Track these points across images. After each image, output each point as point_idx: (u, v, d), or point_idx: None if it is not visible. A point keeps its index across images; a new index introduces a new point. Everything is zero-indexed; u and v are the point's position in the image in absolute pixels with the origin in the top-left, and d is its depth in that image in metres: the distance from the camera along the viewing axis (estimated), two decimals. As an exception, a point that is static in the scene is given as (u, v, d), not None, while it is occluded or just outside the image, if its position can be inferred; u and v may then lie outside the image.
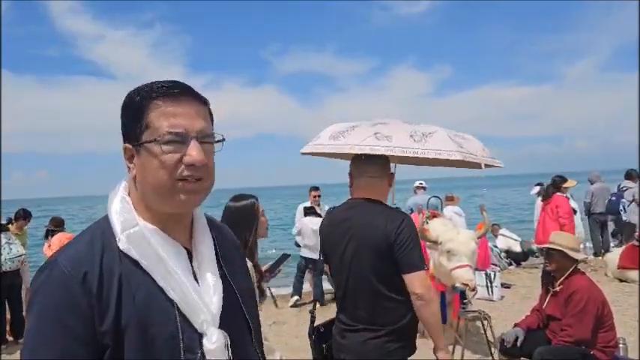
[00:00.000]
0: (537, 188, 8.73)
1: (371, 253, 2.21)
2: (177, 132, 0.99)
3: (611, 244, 9.93)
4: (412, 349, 2.32)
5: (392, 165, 2.57)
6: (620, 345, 3.60)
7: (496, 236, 10.24)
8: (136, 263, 0.98)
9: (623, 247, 8.19)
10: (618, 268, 7.76)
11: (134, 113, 1.00)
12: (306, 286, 7.66)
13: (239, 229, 2.29)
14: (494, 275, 7.04)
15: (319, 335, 2.52)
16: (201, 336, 1.00)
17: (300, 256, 7.45)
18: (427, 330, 2.25)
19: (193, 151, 0.99)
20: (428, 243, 4.16)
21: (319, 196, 7.65)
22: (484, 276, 6.94)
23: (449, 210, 7.99)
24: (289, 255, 3.37)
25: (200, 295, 1.02)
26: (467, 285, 3.87)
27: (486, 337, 4.45)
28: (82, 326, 0.92)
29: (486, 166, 2.67)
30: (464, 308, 4.76)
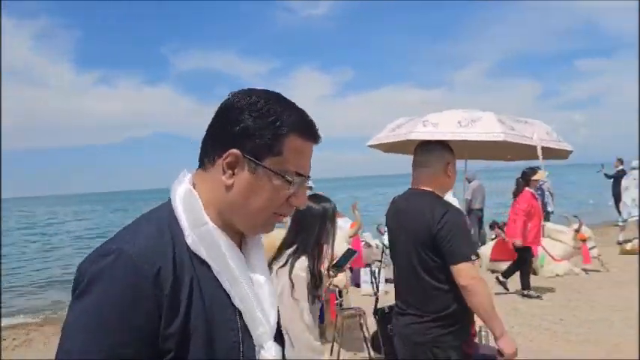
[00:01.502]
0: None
1: (416, 244, 2.29)
2: (302, 174, 1.00)
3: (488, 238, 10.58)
4: (465, 334, 2.33)
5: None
6: (483, 333, 3.75)
7: (382, 234, 10.43)
8: (204, 263, 0.95)
9: (495, 241, 8.69)
10: (490, 261, 8.35)
11: (269, 132, 0.96)
12: None
13: (306, 230, 2.36)
14: (379, 271, 7.14)
15: (383, 316, 2.62)
16: (254, 347, 0.99)
17: None
18: (481, 318, 2.25)
19: (303, 198, 1.02)
20: None
21: None
22: (369, 272, 7.03)
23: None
24: (356, 251, 3.30)
25: (262, 306, 1.00)
26: (337, 286, 3.86)
27: (363, 333, 4.50)
28: (144, 324, 0.86)
29: (550, 151, 2.54)
30: (340, 306, 4.74)
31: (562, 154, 2.75)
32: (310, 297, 2.29)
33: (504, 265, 7.94)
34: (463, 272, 2.17)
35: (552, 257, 8.25)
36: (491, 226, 10.19)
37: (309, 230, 2.39)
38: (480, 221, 10.86)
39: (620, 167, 12.69)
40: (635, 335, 4.89)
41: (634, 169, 10.75)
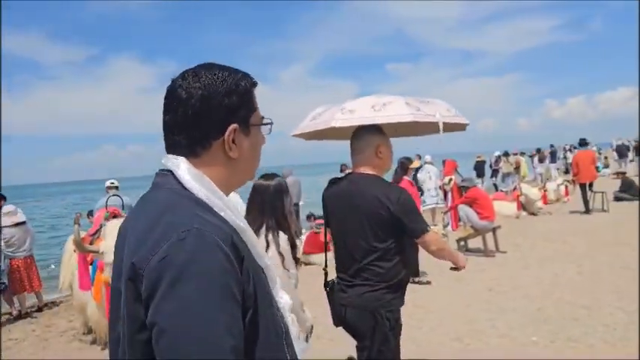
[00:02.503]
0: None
1: (371, 222, 2.50)
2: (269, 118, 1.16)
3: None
4: (403, 299, 2.65)
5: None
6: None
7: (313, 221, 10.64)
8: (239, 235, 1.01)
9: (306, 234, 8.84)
10: (302, 254, 8.21)
11: (244, 97, 1.08)
12: None
13: (272, 205, 2.68)
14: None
15: (332, 287, 2.79)
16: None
17: None
18: (451, 261, 2.68)
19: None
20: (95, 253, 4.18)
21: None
22: None
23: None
24: None
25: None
26: None
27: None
28: (238, 291, 0.91)
29: (451, 125, 2.88)
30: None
31: (461, 127, 3.06)
32: (294, 264, 2.68)
33: (316, 257, 8.07)
34: (428, 241, 2.51)
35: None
36: (308, 217, 10.57)
37: (274, 206, 2.71)
38: (296, 215, 10.88)
39: (419, 163, 13.91)
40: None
41: (427, 163, 12.19)
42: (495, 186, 18.26)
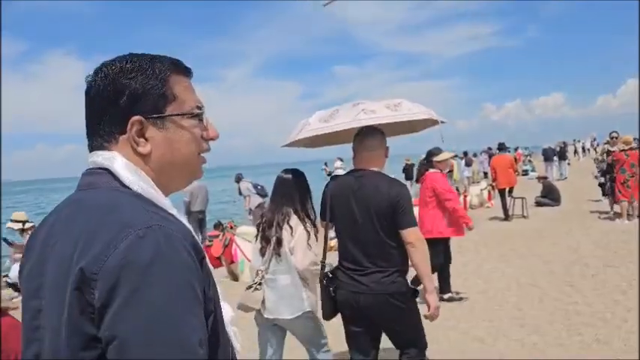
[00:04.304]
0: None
1: (378, 214, 2.70)
2: (202, 107, 1.01)
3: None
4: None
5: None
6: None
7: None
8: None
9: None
10: None
11: (155, 83, 0.95)
12: None
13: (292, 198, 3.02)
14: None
15: (329, 279, 2.88)
16: None
17: None
18: (418, 272, 2.82)
19: (214, 127, 1.04)
20: None
21: None
22: None
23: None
24: None
25: None
26: None
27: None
28: (201, 293, 0.84)
29: (441, 121, 3.10)
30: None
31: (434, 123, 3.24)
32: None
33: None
34: (412, 234, 2.70)
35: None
36: (216, 226, 10.07)
37: (296, 196, 3.01)
38: (202, 223, 10.47)
39: (342, 165, 13.90)
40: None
41: (338, 168, 12.09)
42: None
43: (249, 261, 7.18)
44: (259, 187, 12.31)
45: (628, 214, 9.60)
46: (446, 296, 5.57)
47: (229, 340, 0.97)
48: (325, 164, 15.35)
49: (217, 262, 7.42)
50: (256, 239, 3.08)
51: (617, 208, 10.15)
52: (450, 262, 5.73)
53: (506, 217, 11.29)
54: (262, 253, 3.01)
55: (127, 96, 0.93)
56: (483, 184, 15.16)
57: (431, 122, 3.18)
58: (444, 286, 5.66)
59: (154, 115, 0.94)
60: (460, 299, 5.62)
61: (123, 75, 0.93)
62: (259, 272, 3.00)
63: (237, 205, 17.14)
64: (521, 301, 5.42)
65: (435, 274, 5.40)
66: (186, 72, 1.02)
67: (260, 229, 3.06)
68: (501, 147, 12.13)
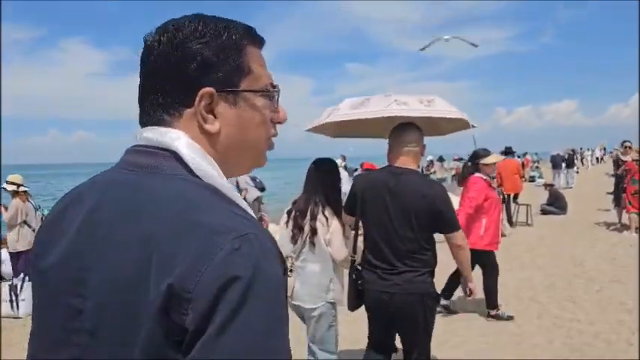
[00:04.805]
0: None
1: (417, 214, 2.67)
2: (276, 85, 0.88)
3: None
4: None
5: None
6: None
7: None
8: None
9: None
10: None
11: (231, 53, 0.81)
12: None
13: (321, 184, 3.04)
14: (21, 287, 5.88)
15: (358, 273, 2.89)
16: None
17: None
18: (461, 268, 3.05)
19: (283, 110, 0.91)
20: None
21: None
22: (8, 288, 5.87)
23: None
24: None
25: None
26: None
27: None
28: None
29: (472, 125, 3.14)
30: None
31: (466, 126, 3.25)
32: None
33: None
34: (459, 237, 2.77)
35: None
36: None
37: (328, 187, 3.02)
38: None
39: (344, 164, 13.73)
40: None
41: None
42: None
43: None
44: (257, 181, 12.03)
45: (637, 227, 9.23)
46: (493, 312, 5.08)
47: None
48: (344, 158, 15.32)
49: None
50: (287, 226, 3.11)
51: (625, 219, 9.78)
52: (497, 275, 5.20)
53: (510, 224, 10.94)
54: (294, 240, 3.05)
55: (199, 63, 0.79)
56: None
57: (461, 125, 3.14)
58: (493, 302, 5.13)
59: (228, 89, 0.81)
60: (509, 318, 5.02)
61: (195, 38, 0.80)
62: (289, 259, 3.05)
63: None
64: (520, 317, 5.10)
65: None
66: (262, 43, 0.89)
67: (291, 216, 3.09)
68: (508, 151, 11.75)
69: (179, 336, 0.65)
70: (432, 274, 2.78)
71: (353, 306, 2.95)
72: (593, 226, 10.55)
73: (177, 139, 0.78)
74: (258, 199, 11.60)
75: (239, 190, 12.38)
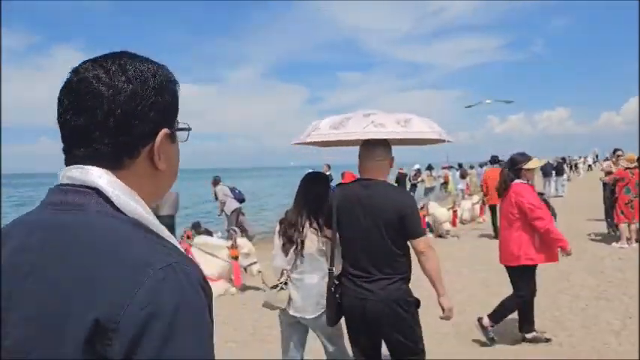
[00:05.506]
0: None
1: (386, 222, 2.77)
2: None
3: None
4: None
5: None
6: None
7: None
8: None
9: None
10: None
11: (175, 96, 0.92)
12: None
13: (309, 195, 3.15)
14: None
15: (336, 286, 2.91)
16: None
17: None
18: (430, 279, 2.89)
19: None
20: None
21: None
22: None
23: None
24: None
25: None
26: None
27: None
28: None
29: (448, 141, 3.20)
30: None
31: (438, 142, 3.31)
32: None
33: None
34: (422, 243, 2.81)
35: (207, 277, 6.95)
36: (194, 226, 9.91)
37: (317, 199, 3.11)
38: (170, 229, 9.64)
39: (329, 172, 13.59)
40: None
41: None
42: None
43: (209, 278, 6.62)
44: (237, 192, 11.66)
45: (627, 238, 8.90)
46: (529, 336, 4.60)
47: None
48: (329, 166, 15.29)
49: None
50: (279, 236, 3.17)
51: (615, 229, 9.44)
52: (535, 295, 4.64)
53: (497, 235, 10.58)
54: (285, 251, 3.10)
55: (159, 107, 0.85)
56: (476, 198, 14.44)
57: (438, 140, 3.26)
58: (527, 324, 4.61)
59: (174, 129, 0.91)
60: (547, 340, 4.60)
61: (155, 81, 0.85)
62: (284, 272, 3.10)
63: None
64: (499, 337, 4.71)
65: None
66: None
67: (281, 227, 3.15)
68: (494, 160, 11.46)
69: None
70: (405, 280, 2.84)
71: (333, 321, 2.95)
72: (581, 237, 10.18)
73: (100, 177, 0.81)
74: (236, 210, 11.24)
75: (217, 201, 12.01)
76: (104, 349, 0.66)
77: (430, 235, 10.92)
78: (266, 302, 3.15)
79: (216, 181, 11.76)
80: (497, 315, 4.61)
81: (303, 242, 3.02)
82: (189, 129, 0.94)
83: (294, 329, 3.15)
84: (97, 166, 0.82)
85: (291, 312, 3.06)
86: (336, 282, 2.93)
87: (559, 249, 4.44)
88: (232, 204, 11.31)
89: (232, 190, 11.61)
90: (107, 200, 0.80)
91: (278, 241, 3.16)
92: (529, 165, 4.57)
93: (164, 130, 0.86)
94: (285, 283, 3.07)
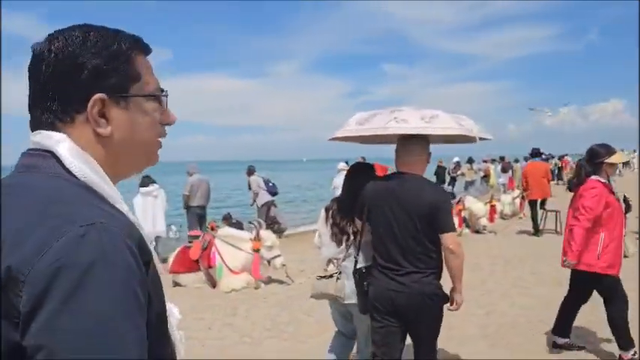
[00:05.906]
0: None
1: (419, 216, 2.80)
2: (163, 89, 0.97)
3: None
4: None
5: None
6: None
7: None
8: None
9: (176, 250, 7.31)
10: (170, 273, 6.77)
11: (120, 60, 0.90)
12: None
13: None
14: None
15: (361, 275, 3.01)
16: None
17: None
18: (451, 275, 2.91)
19: (171, 113, 0.99)
20: None
21: None
22: None
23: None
24: None
25: None
26: None
27: None
28: (144, 298, 0.77)
29: (480, 138, 3.11)
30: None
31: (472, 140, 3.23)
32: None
33: (184, 278, 6.79)
34: (451, 239, 2.81)
35: (230, 269, 6.74)
36: (225, 218, 9.72)
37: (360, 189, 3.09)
38: (201, 219, 9.60)
39: (342, 166, 13.20)
40: None
41: (341, 170, 11.08)
42: (453, 195, 16.68)
43: (228, 268, 6.65)
44: (270, 185, 11.66)
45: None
46: (561, 342, 4.30)
47: (174, 346, 0.93)
48: (346, 163, 14.91)
49: (195, 265, 6.79)
50: (327, 226, 3.22)
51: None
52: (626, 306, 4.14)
53: (536, 231, 10.16)
54: (336, 239, 3.19)
55: (90, 71, 0.86)
56: (517, 192, 13.89)
57: (468, 138, 3.19)
58: (625, 340, 4.00)
59: (118, 95, 0.89)
60: (580, 348, 4.29)
61: (86, 48, 0.86)
62: (335, 261, 3.17)
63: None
64: (526, 341, 4.47)
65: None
66: (148, 51, 0.97)
67: (330, 216, 3.22)
68: (535, 153, 10.95)
69: (17, 318, 0.68)
70: (437, 275, 2.88)
71: (362, 309, 3.04)
72: (632, 241, 9.58)
73: (59, 142, 0.84)
74: (267, 204, 11.24)
75: (251, 191, 12.04)
76: (16, 299, 0.69)
77: (467, 231, 10.61)
78: (316, 293, 3.19)
79: (250, 171, 11.72)
80: (620, 338, 4.06)
81: (354, 233, 3.11)
82: (153, 95, 0.93)
83: (342, 314, 3.31)
84: (45, 129, 0.87)
85: (345, 301, 3.13)
86: (363, 271, 3.02)
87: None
88: (264, 197, 11.33)
89: (266, 182, 11.61)
90: (61, 163, 0.84)
91: (325, 230, 3.23)
92: (612, 159, 3.97)
93: (97, 95, 0.86)
94: (340, 273, 3.11)
